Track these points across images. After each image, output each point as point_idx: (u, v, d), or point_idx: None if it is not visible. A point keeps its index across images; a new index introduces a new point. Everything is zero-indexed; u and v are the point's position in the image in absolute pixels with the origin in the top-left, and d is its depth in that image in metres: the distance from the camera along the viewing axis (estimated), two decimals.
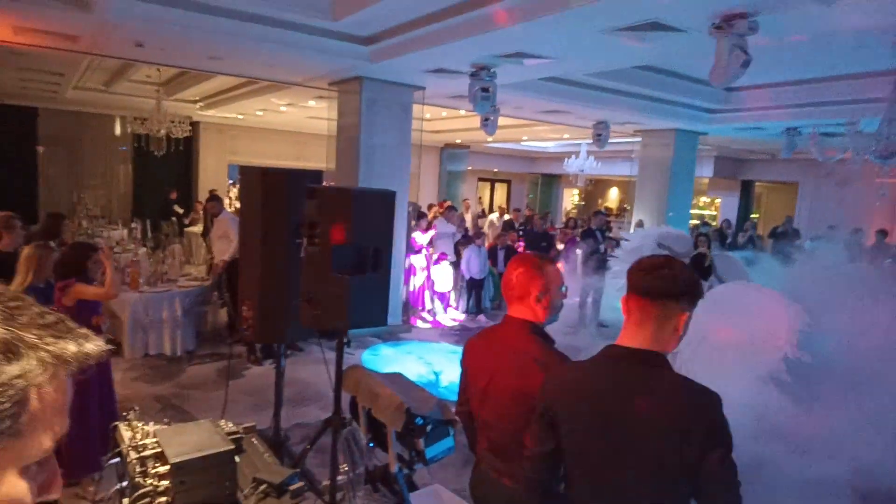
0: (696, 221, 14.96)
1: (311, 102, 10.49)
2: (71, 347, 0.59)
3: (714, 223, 16.35)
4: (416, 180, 9.42)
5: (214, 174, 15.31)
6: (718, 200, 18.61)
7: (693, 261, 6.50)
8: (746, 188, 17.51)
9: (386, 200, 3.05)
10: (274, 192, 3.32)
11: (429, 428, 2.74)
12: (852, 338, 4.80)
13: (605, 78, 8.23)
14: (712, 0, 4.29)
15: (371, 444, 3.03)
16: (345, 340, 3.04)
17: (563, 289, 2.03)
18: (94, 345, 0.62)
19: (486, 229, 12.78)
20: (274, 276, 3.32)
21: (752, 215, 17.45)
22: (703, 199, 19.13)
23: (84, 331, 0.62)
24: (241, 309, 3.63)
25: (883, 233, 10.88)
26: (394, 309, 7.95)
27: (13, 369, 0.55)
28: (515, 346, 1.99)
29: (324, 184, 8.92)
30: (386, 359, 7.07)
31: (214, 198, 7.86)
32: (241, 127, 15.11)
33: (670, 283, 1.55)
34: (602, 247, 9.14)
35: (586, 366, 1.69)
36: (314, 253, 2.95)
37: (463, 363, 2.21)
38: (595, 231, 9.48)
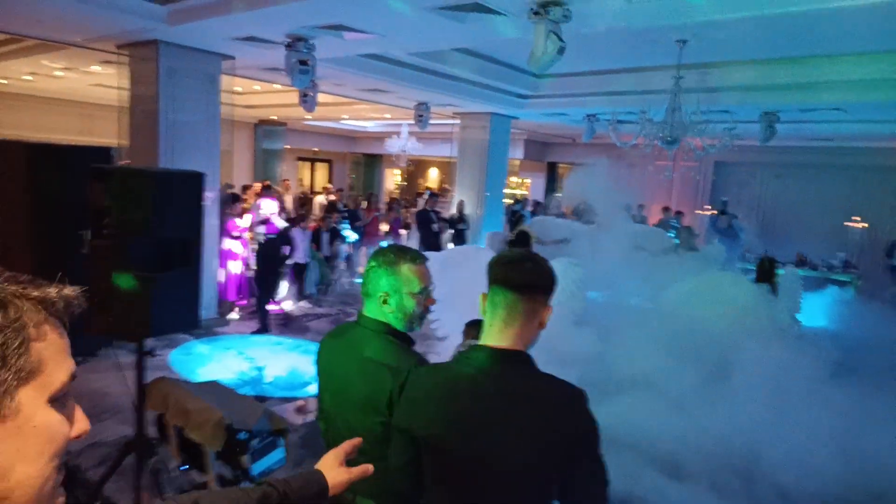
0: (509, 201, 15.84)
1: (96, 67, 9.04)
2: (52, 291, 0.67)
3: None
4: (228, 159, 8.62)
5: None
6: (528, 181, 19.95)
7: (519, 238, 6.80)
8: (551, 169, 19.01)
9: (193, 183, 2.62)
10: (44, 174, 2.69)
11: (255, 442, 2.43)
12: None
13: (427, 59, 8.21)
14: None
15: (184, 468, 2.62)
16: (146, 349, 2.58)
17: (421, 291, 1.79)
18: (71, 289, 0.69)
19: (316, 211, 12.25)
20: (48, 275, 2.70)
21: (557, 195, 19.00)
22: (515, 180, 20.36)
23: (58, 283, 0.69)
24: None
25: (667, 209, 12.44)
26: (208, 302, 7.22)
27: (10, 314, 0.62)
28: (365, 350, 1.77)
29: (117, 163, 7.77)
30: (200, 357, 6.40)
31: None
32: (5, 94, 12.62)
33: (538, 276, 1.46)
34: (436, 226, 9.14)
35: (448, 369, 1.54)
36: (103, 247, 2.43)
37: (318, 364, 1.95)
38: (430, 213, 9.46)
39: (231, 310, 8.09)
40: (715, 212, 13.75)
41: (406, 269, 1.79)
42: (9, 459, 0.62)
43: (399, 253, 1.83)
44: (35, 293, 0.66)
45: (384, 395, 1.67)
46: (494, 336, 1.47)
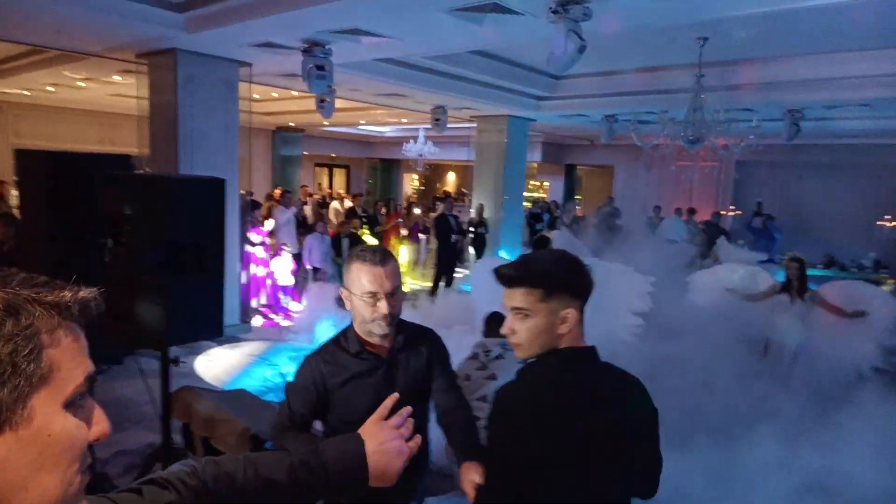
0: (528, 204, 15.72)
1: (116, 77, 9.14)
2: (67, 294, 0.65)
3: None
4: (246, 166, 8.64)
5: None
6: (547, 183, 19.82)
7: (537, 243, 6.71)
8: (570, 172, 18.86)
9: (214, 189, 2.59)
10: (65, 183, 2.67)
11: None
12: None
13: (443, 62, 8.17)
14: None
15: None
16: (171, 357, 2.54)
17: (371, 294, 1.74)
18: (87, 291, 0.67)
19: (331, 217, 12.25)
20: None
21: (576, 196, 18.85)
22: (533, 183, 20.25)
23: (74, 285, 0.67)
24: None
25: (692, 211, 12.23)
26: (231, 308, 7.22)
27: (22, 320, 0.61)
28: None
29: (138, 170, 7.79)
30: (224, 364, 6.39)
31: None
32: (28, 105, 12.81)
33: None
34: (454, 237, 8.84)
35: (539, 383, 1.49)
36: (122, 255, 2.40)
37: None
38: (450, 217, 9.25)
39: (254, 315, 8.10)
40: (739, 212, 13.54)
41: (355, 267, 1.75)
42: (26, 470, 0.61)
43: (357, 251, 1.82)
44: (49, 297, 0.64)
45: None
46: (579, 338, 1.50)
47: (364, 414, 1.71)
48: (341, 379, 1.81)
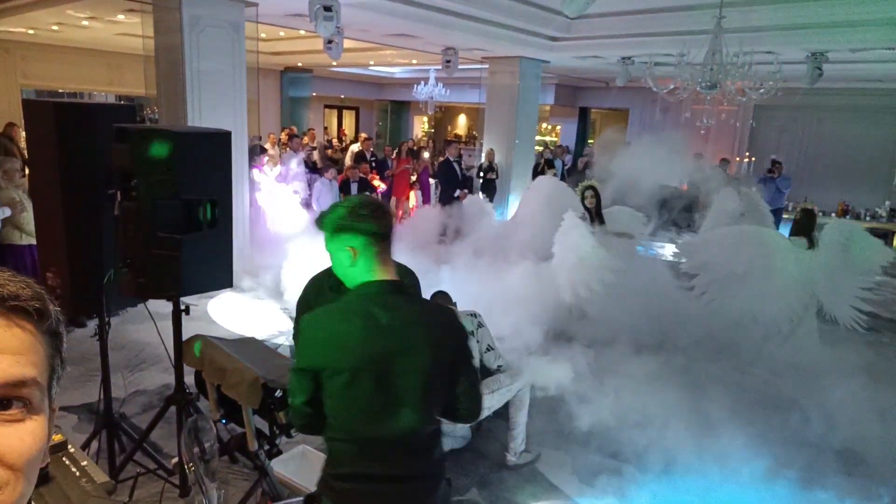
0: (539, 148, 15.48)
1: (121, 16, 8.95)
2: None
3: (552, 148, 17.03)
4: (255, 108, 8.55)
5: (6, 104, 12.76)
6: (559, 127, 19.45)
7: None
8: (583, 115, 18.44)
9: (220, 142, 2.59)
10: (73, 134, 2.67)
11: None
12: None
13: (454, 1, 7.91)
14: None
15: (224, 421, 2.70)
16: (182, 308, 2.61)
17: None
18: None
19: (347, 160, 12.15)
20: (83, 237, 2.73)
21: (589, 140, 18.52)
22: (545, 126, 19.88)
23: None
24: (45, 277, 2.99)
25: (700, 156, 12.04)
26: (241, 253, 7.30)
27: None
28: None
29: (146, 111, 7.69)
30: (237, 307, 6.54)
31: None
32: (34, 45, 12.60)
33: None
34: (458, 192, 8.73)
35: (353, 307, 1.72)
36: (132, 209, 2.43)
37: None
38: (454, 164, 9.17)
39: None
40: (753, 159, 13.30)
41: None
42: None
43: None
44: None
45: None
46: (385, 272, 1.74)
47: None
48: (321, 303, 2.09)
